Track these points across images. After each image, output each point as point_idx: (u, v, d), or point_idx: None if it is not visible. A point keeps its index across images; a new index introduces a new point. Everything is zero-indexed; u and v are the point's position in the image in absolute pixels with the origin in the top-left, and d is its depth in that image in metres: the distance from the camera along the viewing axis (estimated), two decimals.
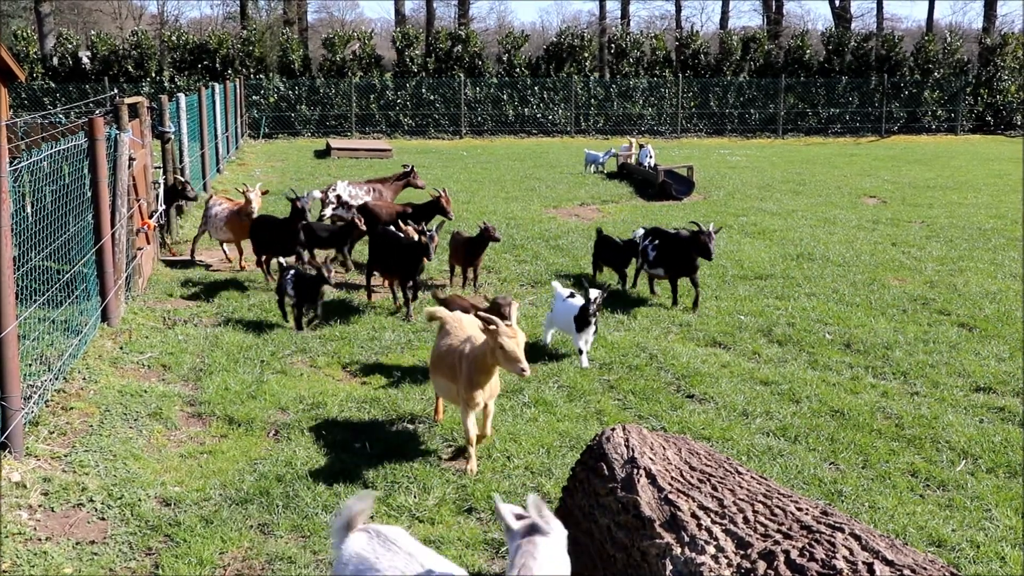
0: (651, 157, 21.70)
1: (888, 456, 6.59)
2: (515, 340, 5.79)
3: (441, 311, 7.08)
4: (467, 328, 6.64)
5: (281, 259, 10.27)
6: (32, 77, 33.38)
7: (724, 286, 11.44)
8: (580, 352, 8.60)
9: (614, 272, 11.42)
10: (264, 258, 11.81)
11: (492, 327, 5.78)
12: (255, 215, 11.93)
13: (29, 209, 8.03)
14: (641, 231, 11.22)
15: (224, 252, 13.20)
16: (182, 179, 13.90)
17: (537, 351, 8.93)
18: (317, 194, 14.56)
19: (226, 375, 8.07)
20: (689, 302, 10.60)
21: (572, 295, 8.87)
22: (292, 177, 22.28)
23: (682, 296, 10.75)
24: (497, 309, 7.22)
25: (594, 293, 8.45)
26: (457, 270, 11.54)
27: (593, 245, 11.74)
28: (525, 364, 5.74)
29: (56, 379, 7.31)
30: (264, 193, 12.66)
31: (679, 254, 10.40)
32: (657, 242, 10.68)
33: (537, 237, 14.28)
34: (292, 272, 9.75)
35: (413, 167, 15.46)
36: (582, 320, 8.49)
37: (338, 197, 14.26)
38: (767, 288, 11.37)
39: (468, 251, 11.10)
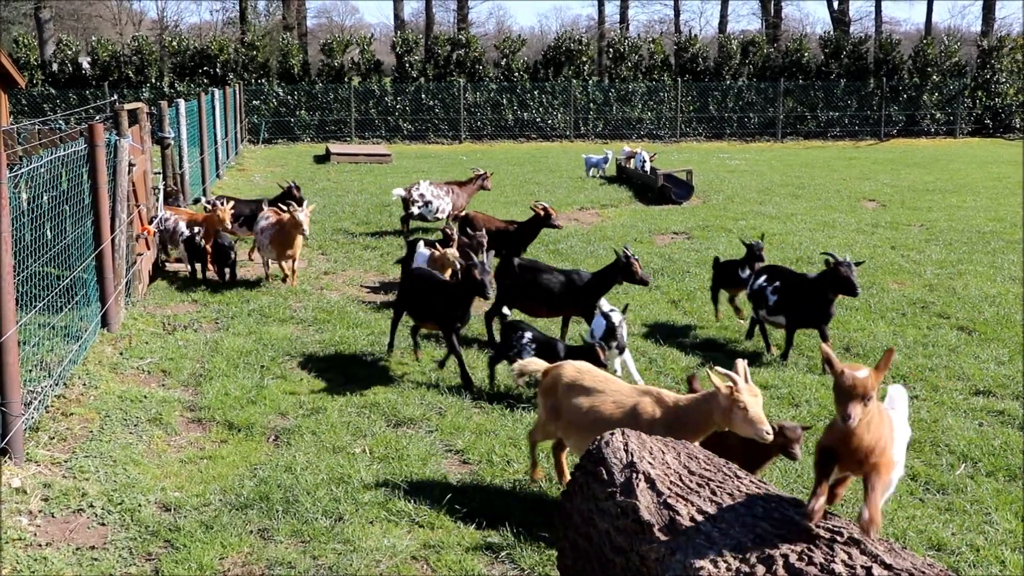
0: (646, 162, 21.70)
1: None
2: (757, 399, 4.97)
3: (538, 362, 6.34)
4: (607, 379, 5.76)
5: (505, 310, 8.88)
6: (32, 83, 33.40)
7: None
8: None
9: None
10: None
11: (730, 384, 4.90)
12: (307, 233, 11.37)
13: (24, 196, 7.99)
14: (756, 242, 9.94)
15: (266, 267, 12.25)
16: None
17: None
18: (400, 192, 14.83)
19: (226, 380, 8.08)
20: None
21: (613, 310, 8.27)
22: (291, 180, 22.26)
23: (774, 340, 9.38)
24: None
25: (616, 316, 7.95)
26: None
27: (712, 275, 10.36)
28: (768, 425, 4.93)
29: (56, 385, 7.31)
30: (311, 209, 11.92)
31: (808, 299, 8.70)
32: (778, 284, 8.95)
33: (536, 242, 14.27)
34: (529, 335, 8.04)
35: (486, 171, 16.07)
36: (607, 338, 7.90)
37: (422, 195, 14.61)
38: None
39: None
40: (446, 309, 8.29)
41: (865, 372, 3.63)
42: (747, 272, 9.69)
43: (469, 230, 11.50)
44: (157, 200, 12.65)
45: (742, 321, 9.97)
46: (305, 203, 11.74)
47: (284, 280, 11.81)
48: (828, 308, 8.69)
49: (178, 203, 14.05)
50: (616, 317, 8.02)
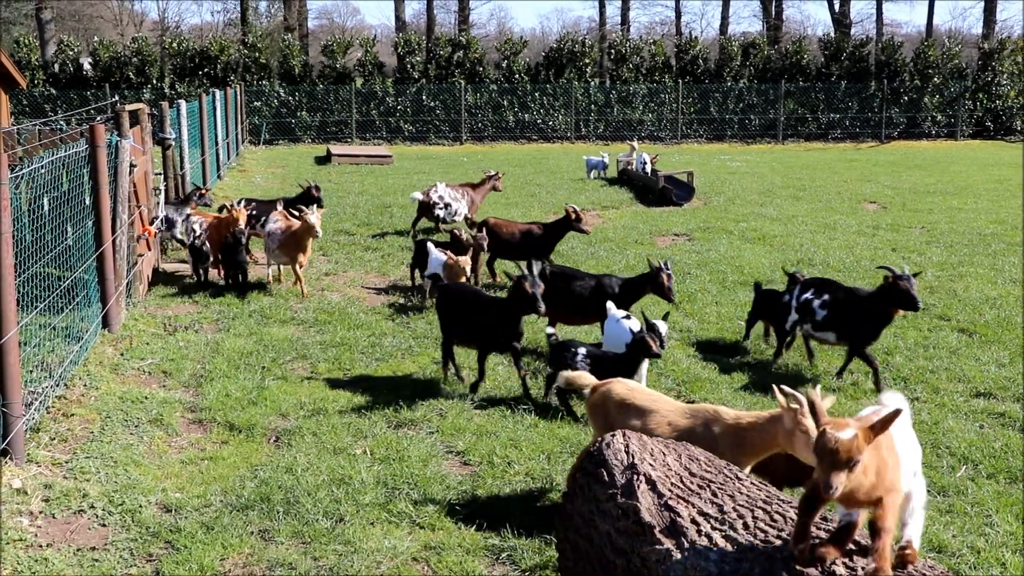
0: (646, 163, 21.74)
1: None
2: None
3: (587, 377, 6.09)
4: (659, 398, 5.50)
5: (549, 330, 8.22)
6: (33, 84, 33.41)
7: (724, 292, 11.44)
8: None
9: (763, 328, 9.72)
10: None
11: (795, 406, 4.68)
12: (319, 235, 11.06)
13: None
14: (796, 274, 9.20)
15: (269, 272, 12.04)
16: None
17: (529, 351, 8.94)
18: (418, 195, 14.91)
19: (227, 381, 8.08)
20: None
21: (628, 316, 8.05)
22: (292, 183, 22.28)
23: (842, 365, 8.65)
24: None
25: (663, 327, 7.47)
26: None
27: (753, 300, 9.57)
28: None
29: (57, 385, 7.31)
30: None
31: (864, 315, 8.20)
32: (827, 298, 8.46)
33: None
34: (583, 350, 7.58)
35: (497, 172, 16.11)
36: (638, 351, 7.32)
37: (441, 198, 14.71)
38: None
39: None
40: (492, 328, 7.76)
41: (851, 433, 3.18)
42: (789, 300, 8.94)
43: (465, 232, 11.42)
44: (158, 201, 12.64)
45: (766, 346, 9.47)
46: (315, 206, 11.46)
47: (294, 284, 11.50)
48: (883, 326, 8.23)
49: (208, 205, 14.01)
50: (635, 325, 7.77)
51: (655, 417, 5.27)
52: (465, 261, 9.95)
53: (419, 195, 14.92)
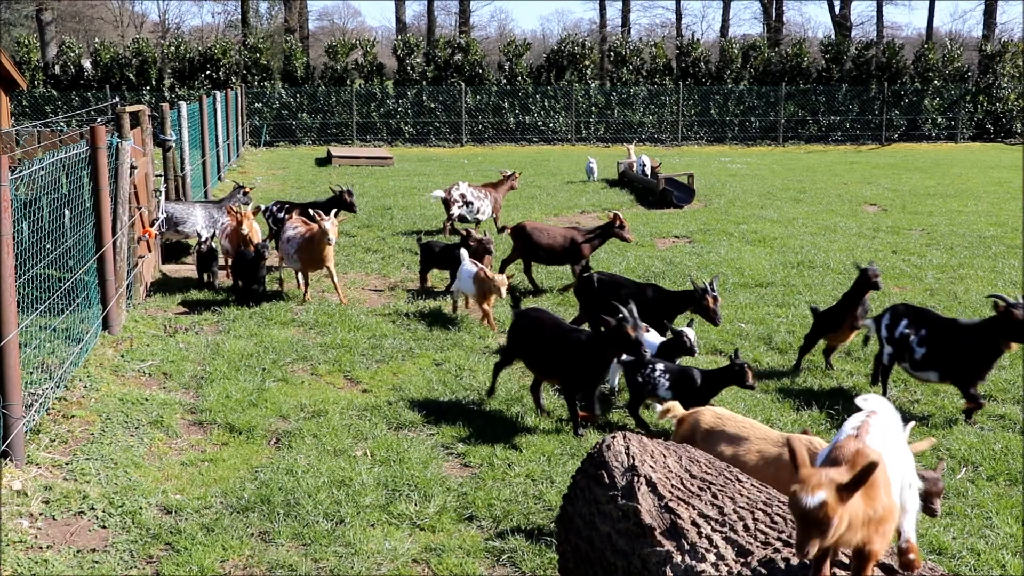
0: (645, 166, 21.78)
1: None
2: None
3: (679, 408, 5.74)
4: (751, 425, 5.21)
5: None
6: (34, 85, 33.43)
7: (724, 294, 11.44)
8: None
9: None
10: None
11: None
12: (333, 242, 10.65)
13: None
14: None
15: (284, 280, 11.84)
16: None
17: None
18: (440, 193, 15.00)
19: (227, 383, 8.08)
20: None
21: (647, 329, 7.61)
22: (293, 185, 22.31)
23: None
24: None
25: (690, 333, 7.41)
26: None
27: (813, 324, 8.76)
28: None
29: (57, 387, 7.31)
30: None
31: (967, 350, 7.37)
32: (925, 332, 7.60)
33: None
34: (660, 366, 7.20)
35: (515, 172, 16.21)
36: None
37: (462, 196, 14.85)
38: (768, 296, 11.38)
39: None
40: (577, 366, 7.10)
41: (819, 499, 2.93)
42: (862, 307, 8.41)
43: (474, 235, 11.31)
44: (158, 203, 12.65)
45: (830, 371, 8.71)
46: (332, 212, 11.08)
47: (305, 290, 11.21)
48: (994, 361, 7.43)
49: (248, 204, 14.04)
50: (655, 338, 7.65)
51: (745, 445, 5.03)
52: (501, 280, 9.52)
53: (440, 193, 15.06)
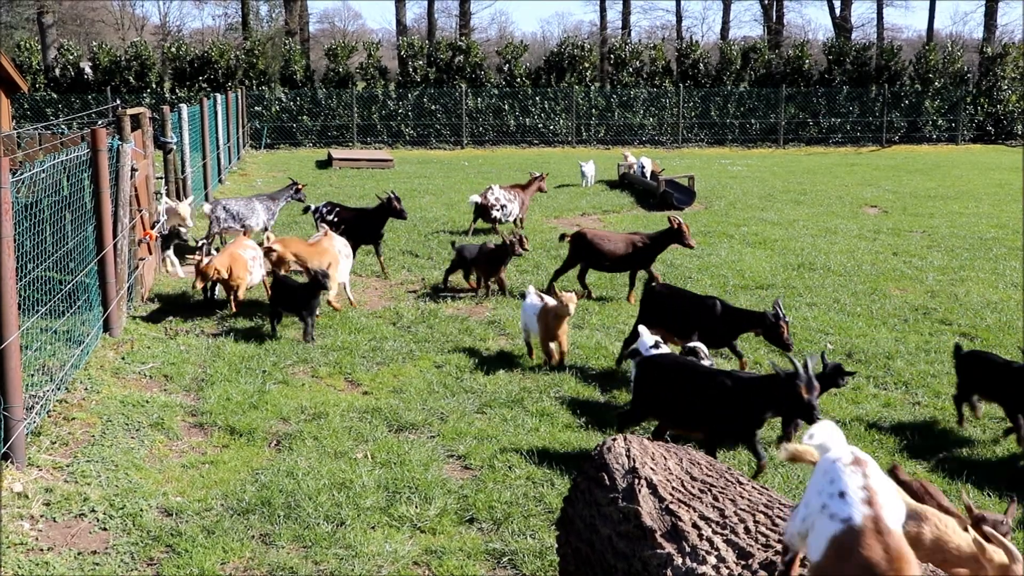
0: (644, 168, 21.82)
1: (888, 462, 6.58)
2: None
3: (813, 453, 5.05)
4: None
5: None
6: (34, 88, 33.45)
7: (725, 296, 11.43)
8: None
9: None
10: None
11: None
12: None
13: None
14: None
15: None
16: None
17: (529, 356, 8.94)
18: (476, 198, 15.45)
19: (228, 385, 8.08)
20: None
21: (657, 344, 7.55)
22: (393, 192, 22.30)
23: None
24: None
25: (703, 348, 7.24)
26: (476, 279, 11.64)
27: (956, 366, 7.63)
28: None
29: (58, 389, 7.32)
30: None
31: None
32: None
33: (538, 247, 14.29)
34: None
35: (543, 173, 16.71)
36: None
37: (498, 199, 15.35)
38: (768, 298, 11.37)
39: (492, 263, 11.30)
40: (728, 417, 6.17)
41: None
42: None
43: (518, 240, 11.16)
44: (159, 205, 12.65)
45: (973, 422, 7.54)
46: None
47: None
48: None
49: (302, 200, 14.41)
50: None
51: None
52: (570, 298, 8.37)
53: (477, 198, 15.49)
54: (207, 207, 13.56)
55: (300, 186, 14.34)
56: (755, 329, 8.24)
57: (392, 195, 12.52)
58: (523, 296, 9.23)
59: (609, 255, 11.31)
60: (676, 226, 11.08)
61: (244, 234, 12.42)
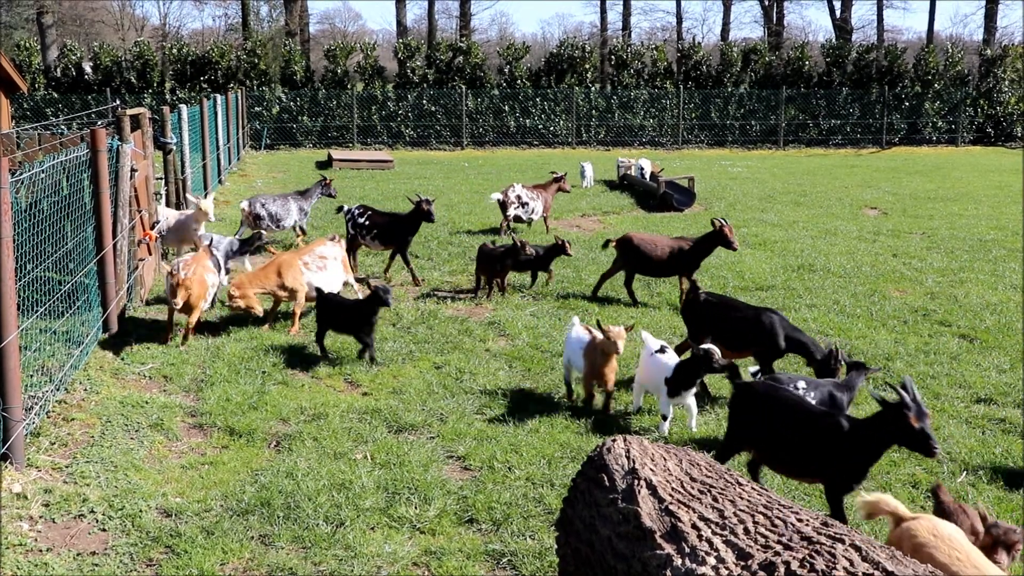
0: (644, 169, 21.85)
1: (889, 467, 6.58)
2: None
3: (890, 501, 4.65)
4: (968, 555, 4.18)
5: (753, 369, 7.29)
6: (34, 88, 33.46)
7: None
8: (664, 418, 7.24)
9: None
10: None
11: None
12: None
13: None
14: None
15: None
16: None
17: (530, 356, 8.94)
18: (498, 196, 15.65)
19: (227, 386, 8.08)
20: None
21: (663, 349, 7.46)
22: (294, 188, 22.28)
23: None
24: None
25: (716, 351, 7.01)
26: (481, 280, 11.62)
27: None
28: None
29: (57, 390, 7.31)
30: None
31: None
32: None
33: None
34: (802, 387, 6.61)
35: (564, 173, 16.88)
36: (683, 380, 7.04)
37: (518, 197, 15.49)
38: (768, 299, 11.37)
39: (497, 264, 11.32)
40: (839, 461, 5.50)
41: None
42: None
43: (520, 243, 11.21)
44: (158, 206, 12.65)
45: None
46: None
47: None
48: None
49: (333, 196, 14.77)
50: (672, 359, 7.27)
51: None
52: (619, 333, 7.39)
53: (498, 195, 15.66)
54: (246, 205, 13.90)
55: (328, 181, 14.59)
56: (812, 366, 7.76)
57: (423, 198, 12.25)
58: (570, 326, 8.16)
59: (655, 260, 11.09)
60: (718, 228, 10.77)
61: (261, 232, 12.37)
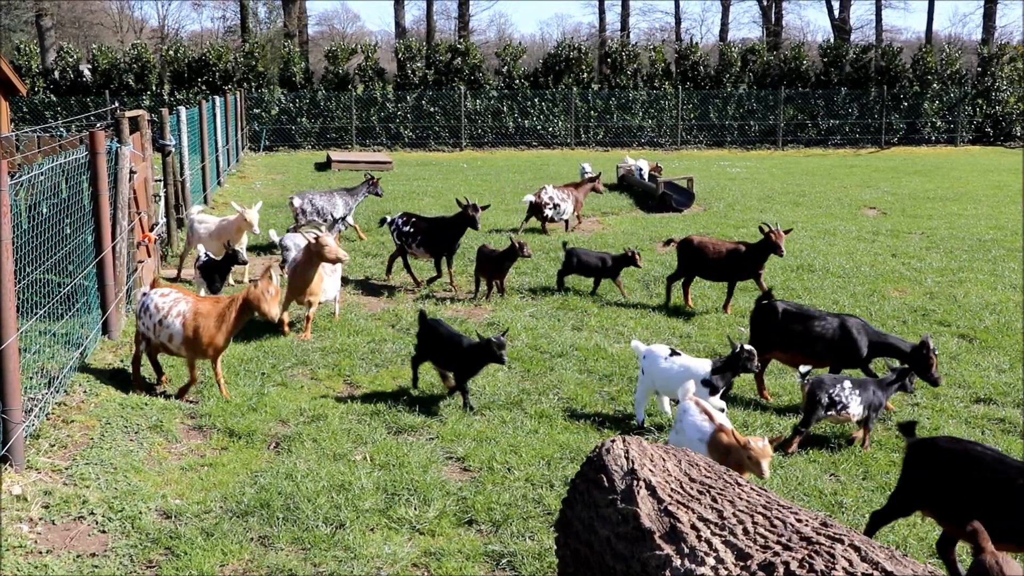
0: (642, 170, 21.88)
1: (888, 467, 6.59)
2: None
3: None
4: None
5: (803, 368, 7.12)
6: (33, 90, 33.47)
7: (724, 297, 11.43)
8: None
9: None
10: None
11: None
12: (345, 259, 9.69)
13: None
14: None
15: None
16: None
17: (529, 357, 8.94)
18: (531, 198, 15.97)
19: (227, 387, 8.07)
20: None
21: (675, 352, 7.27)
22: (293, 189, 22.30)
23: None
24: None
25: (752, 349, 6.96)
26: (482, 283, 11.63)
27: None
28: None
29: (57, 392, 7.31)
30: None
31: None
32: None
33: (537, 249, 14.27)
34: (848, 386, 6.74)
35: (599, 173, 17.26)
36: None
37: (551, 199, 15.88)
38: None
39: (496, 265, 11.34)
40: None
41: None
42: None
43: (519, 244, 11.16)
44: (158, 207, 12.65)
45: None
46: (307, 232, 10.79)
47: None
48: None
49: (380, 195, 15.14)
50: (704, 367, 7.08)
51: None
52: (764, 451, 5.37)
53: (531, 197, 16.00)
54: (296, 200, 14.41)
55: (375, 179, 14.88)
56: (901, 357, 7.53)
57: (470, 203, 11.72)
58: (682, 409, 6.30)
59: (713, 263, 10.89)
60: (766, 233, 10.49)
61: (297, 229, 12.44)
